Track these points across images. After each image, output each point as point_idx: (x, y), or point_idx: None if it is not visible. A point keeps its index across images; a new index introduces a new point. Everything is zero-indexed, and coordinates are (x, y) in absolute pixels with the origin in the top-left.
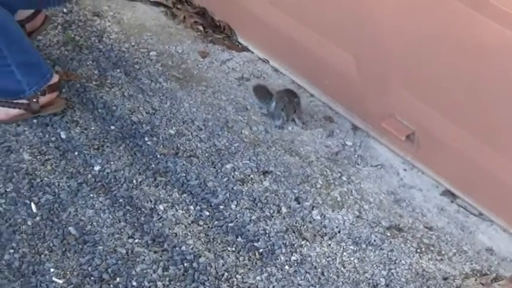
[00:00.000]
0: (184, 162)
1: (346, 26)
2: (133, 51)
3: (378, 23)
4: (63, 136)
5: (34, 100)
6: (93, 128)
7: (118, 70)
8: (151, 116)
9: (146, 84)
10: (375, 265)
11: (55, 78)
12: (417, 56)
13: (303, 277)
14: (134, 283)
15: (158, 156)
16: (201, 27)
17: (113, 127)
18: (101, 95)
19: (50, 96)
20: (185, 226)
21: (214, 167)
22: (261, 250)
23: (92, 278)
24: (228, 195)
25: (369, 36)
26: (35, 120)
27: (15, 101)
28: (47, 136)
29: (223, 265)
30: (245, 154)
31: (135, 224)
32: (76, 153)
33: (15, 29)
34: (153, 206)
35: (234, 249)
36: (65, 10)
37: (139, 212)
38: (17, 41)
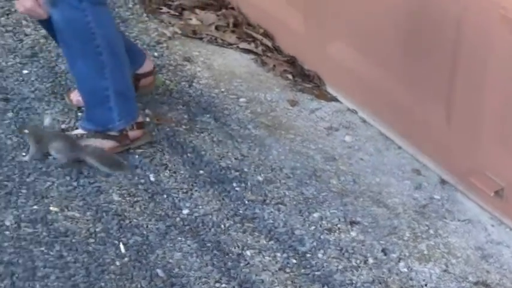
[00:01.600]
0: (272, 209)
1: (436, 76)
2: (223, 97)
3: (472, 74)
4: (152, 179)
5: (124, 133)
6: (182, 172)
7: (208, 115)
8: (240, 162)
9: (235, 130)
10: None
11: (141, 118)
12: None
13: None
14: None
15: (246, 202)
16: (290, 76)
17: (201, 171)
18: (191, 139)
19: (138, 132)
20: (272, 273)
21: (302, 215)
22: None
23: None
24: (315, 244)
25: (461, 88)
26: (125, 162)
27: (106, 133)
28: (137, 178)
29: None
30: (333, 203)
31: (222, 268)
32: (165, 196)
33: (124, 57)
34: (240, 252)
35: None
36: (156, 54)
37: (226, 256)
38: (121, 66)
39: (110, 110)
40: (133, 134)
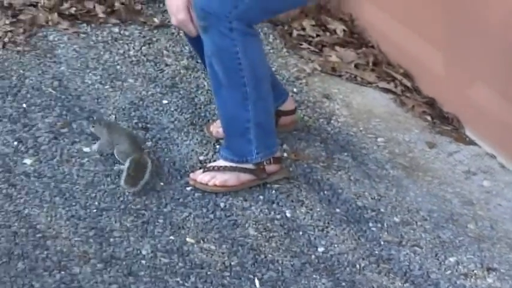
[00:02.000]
0: (407, 251)
1: None
2: (361, 136)
3: None
4: (288, 214)
5: (261, 167)
6: (318, 209)
7: (345, 154)
8: (376, 202)
9: (373, 170)
10: None
11: (279, 153)
12: None
13: None
14: None
15: (382, 242)
16: (429, 117)
17: (338, 210)
18: (328, 177)
19: (275, 166)
20: None
21: (438, 259)
22: None
23: None
24: None
25: None
26: (261, 197)
27: (244, 166)
28: (273, 213)
29: None
30: (469, 249)
31: None
32: (301, 232)
33: (269, 90)
34: None
35: None
36: (295, 90)
37: None
38: (264, 99)
39: (249, 142)
40: (270, 168)
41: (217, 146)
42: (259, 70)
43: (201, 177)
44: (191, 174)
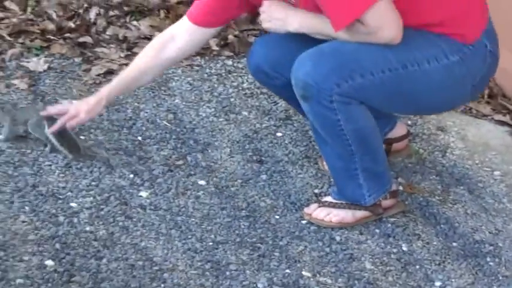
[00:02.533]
0: None
1: None
2: (476, 169)
3: None
4: (404, 248)
5: (377, 203)
6: (434, 243)
7: (461, 187)
8: (494, 236)
9: (490, 203)
10: None
11: (394, 186)
12: None
13: None
14: None
15: (500, 278)
16: None
17: (454, 244)
18: (444, 210)
19: (391, 201)
20: None
21: None
22: None
23: None
24: None
25: None
26: (377, 230)
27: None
28: (389, 247)
29: None
30: None
31: None
32: (417, 266)
33: (376, 139)
34: None
35: None
36: (409, 122)
37: None
38: (372, 151)
39: (359, 187)
40: (386, 203)
41: (332, 180)
42: (365, 130)
43: (316, 212)
44: (306, 209)
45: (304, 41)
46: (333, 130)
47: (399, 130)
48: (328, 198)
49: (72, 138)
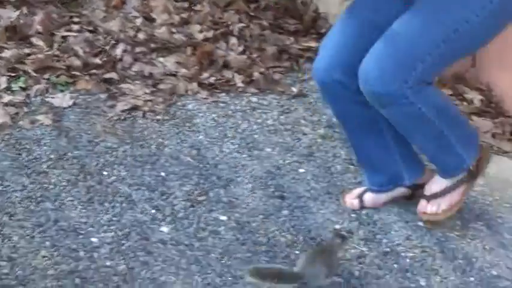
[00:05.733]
0: None
1: None
2: (496, 205)
3: None
4: (422, 283)
5: (470, 168)
6: (452, 278)
7: (480, 223)
8: (511, 271)
9: (508, 239)
10: None
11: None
12: None
13: None
14: None
15: None
16: None
17: (472, 278)
18: (462, 246)
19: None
20: None
21: None
22: None
23: None
24: None
25: None
26: (395, 265)
27: (457, 180)
28: (407, 282)
29: None
30: None
31: None
32: None
33: (453, 107)
34: None
35: None
36: None
37: None
38: (455, 119)
39: (459, 156)
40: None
41: (353, 215)
42: (443, 104)
43: (429, 209)
44: (419, 208)
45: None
46: (420, 121)
47: (427, 177)
48: (432, 188)
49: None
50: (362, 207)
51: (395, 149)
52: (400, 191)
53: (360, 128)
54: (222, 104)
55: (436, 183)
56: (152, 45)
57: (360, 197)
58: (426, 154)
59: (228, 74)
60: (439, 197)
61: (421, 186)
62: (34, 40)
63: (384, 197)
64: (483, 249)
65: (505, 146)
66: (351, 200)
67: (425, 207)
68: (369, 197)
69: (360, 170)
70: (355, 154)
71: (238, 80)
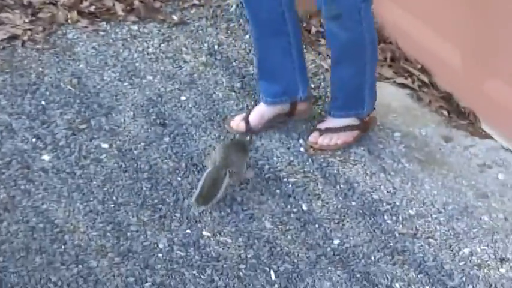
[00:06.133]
0: (422, 243)
1: None
2: (377, 130)
3: None
4: (304, 208)
5: (365, 120)
6: (334, 203)
7: (362, 148)
8: (392, 195)
9: (389, 164)
10: None
11: None
12: None
13: None
14: None
15: (397, 235)
16: (445, 112)
17: (353, 203)
18: (344, 171)
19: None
20: None
21: (452, 250)
22: None
23: None
24: (464, 279)
25: None
26: (277, 191)
27: (352, 124)
28: (289, 207)
29: None
30: (483, 240)
31: None
32: (316, 225)
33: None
34: (389, 284)
35: None
36: (312, 85)
37: None
38: (375, 63)
39: (362, 101)
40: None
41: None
42: (374, 39)
43: (320, 141)
44: (310, 139)
45: None
46: (357, 45)
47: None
48: (326, 124)
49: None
50: (248, 129)
51: (297, 59)
52: (282, 107)
53: (270, 28)
54: (102, 33)
55: (331, 121)
56: None
57: (245, 119)
58: (339, 87)
59: (108, 2)
60: (333, 132)
61: (295, 109)
62: None
63: (270, 111)
64: (364, 174)
65: (386, 73)
66: (237, 122)
67: (317, 138)
68: (255, 115)
69: (252, 87)
70: (257, 60)
71: (119, 8)
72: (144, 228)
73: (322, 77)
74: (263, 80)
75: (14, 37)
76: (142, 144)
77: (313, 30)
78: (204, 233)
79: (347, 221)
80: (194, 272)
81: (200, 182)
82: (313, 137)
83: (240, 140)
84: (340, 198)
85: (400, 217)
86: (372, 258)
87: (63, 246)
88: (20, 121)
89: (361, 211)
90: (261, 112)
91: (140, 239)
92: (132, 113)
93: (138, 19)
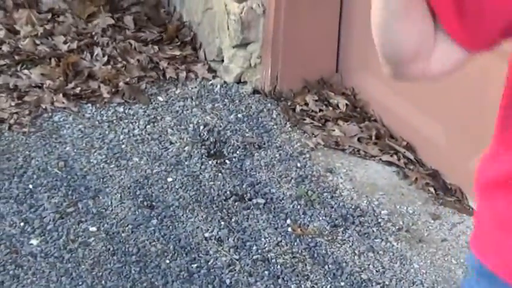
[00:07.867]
0: None
1: None
2: (365, 209)
3: None
4: None
5: None
6: (323, 283)
7: (349, 227)
8: (381, 274)
9: (377, 243)
10: None
11: None
12: None
13: None
14: None
15: None
16: (432, 189)
17: (342, 283)
18: (332, 250)
19: None
20: None
21: None
22: None
23: None
24: None
25: None
26: (266, 272)
27: None
28: None
29: None
30: None
31: None
32: None
33: None
34: None
35: None
36: (298, 164)
37: None
38: None
39: None
40: None
41: (222, 223)
42: None
43: None
44: None
45: None
46: None
47: None
48: None
49: None
50: None
51: None
52: None
53: None
54: (88, 115)
55: None
56: (17, 57)
57: None
58: None
59: (93, 84)
60: None
61: None
62: None
63: None
64: (353, 254)
65: (372, 150)
66: None
67: None
68: None
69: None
70: None
71: (104, 90)
72: None
73: (308, 156)
74: None
75: (0, 121)
76: (130, 226)
77: (298, 109)
78: None
79: None
80: None
81: None
82: None
83: None
84: (329, 278)
85: None
86: None
87: None
88: (8, 205)
89: None
90: None
91: None
92: (119, 195)
93: (123, 101)
